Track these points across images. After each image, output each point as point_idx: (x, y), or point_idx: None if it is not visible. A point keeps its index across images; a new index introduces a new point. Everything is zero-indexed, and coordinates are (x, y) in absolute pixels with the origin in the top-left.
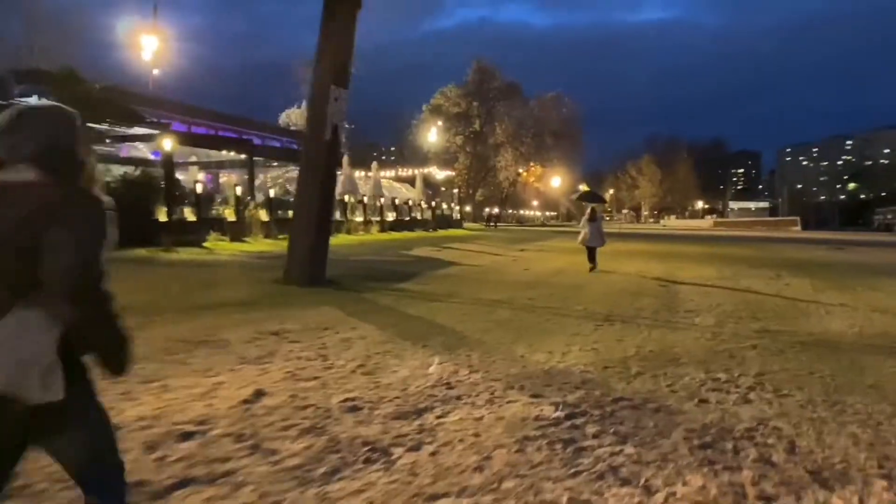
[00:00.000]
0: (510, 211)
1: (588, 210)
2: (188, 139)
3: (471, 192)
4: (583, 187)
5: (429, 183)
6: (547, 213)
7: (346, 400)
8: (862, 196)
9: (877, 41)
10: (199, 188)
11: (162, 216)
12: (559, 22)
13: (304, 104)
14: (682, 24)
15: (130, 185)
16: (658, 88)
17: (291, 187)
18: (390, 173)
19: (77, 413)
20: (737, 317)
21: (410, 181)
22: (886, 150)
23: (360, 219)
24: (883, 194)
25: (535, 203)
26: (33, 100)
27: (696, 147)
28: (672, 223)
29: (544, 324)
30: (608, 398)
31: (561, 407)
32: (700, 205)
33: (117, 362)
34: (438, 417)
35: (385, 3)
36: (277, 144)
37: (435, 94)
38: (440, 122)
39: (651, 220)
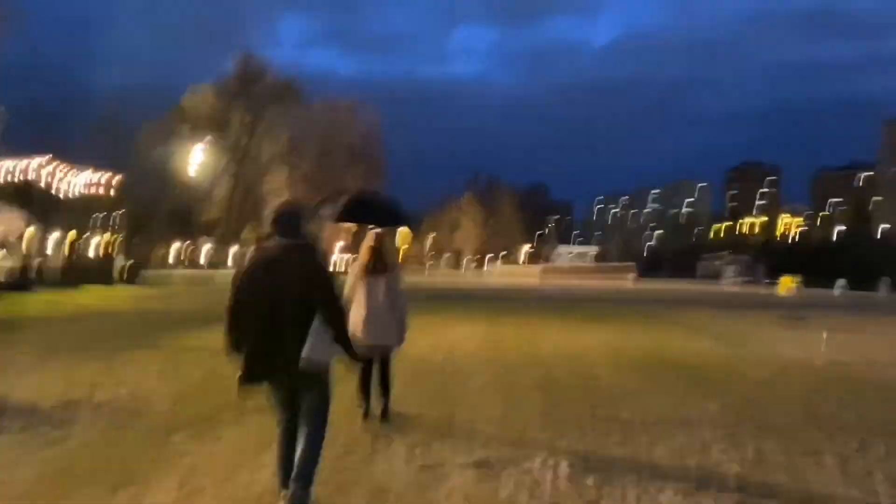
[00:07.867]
0: None
1: (367, 242)
2: None
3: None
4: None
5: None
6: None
7: None
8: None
9: (655, 105)
10: None
11: None
12: (366, 70)
13: None
14: (483, 81)
15: None
16: (466, 141)
17: None
18: None
19: (323, 382)
20: None
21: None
22: (689, 199)
23: None
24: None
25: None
26: None
27: (519, 190)
28: (500, 271)
29: None
30: None
31: None
32: (526, 249)
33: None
34: None
35: (180, 38)
36: None
37: (184, 95)
38: (205, 137)
39: (473, 265)
